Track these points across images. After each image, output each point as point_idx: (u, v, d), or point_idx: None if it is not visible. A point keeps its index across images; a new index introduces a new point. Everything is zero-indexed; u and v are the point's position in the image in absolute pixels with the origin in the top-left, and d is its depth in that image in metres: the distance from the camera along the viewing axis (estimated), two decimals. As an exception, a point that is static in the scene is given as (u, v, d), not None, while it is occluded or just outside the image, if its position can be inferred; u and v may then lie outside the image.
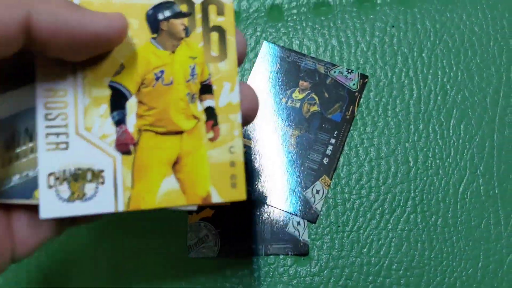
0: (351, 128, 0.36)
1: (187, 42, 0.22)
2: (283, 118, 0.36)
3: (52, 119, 0.20)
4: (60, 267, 0.34)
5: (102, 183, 0.20)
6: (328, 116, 0.36)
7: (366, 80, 0.37)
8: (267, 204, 0.35)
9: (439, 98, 0.37)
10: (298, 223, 0.35)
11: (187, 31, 0.22)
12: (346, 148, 0.36)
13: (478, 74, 0.37)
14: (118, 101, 0.21)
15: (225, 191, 0.22)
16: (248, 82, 0.37)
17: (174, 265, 0.34)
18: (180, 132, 0.22)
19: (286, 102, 0.37)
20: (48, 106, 0.20)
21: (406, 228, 0.34)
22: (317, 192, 0.35)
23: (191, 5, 0.22)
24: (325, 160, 0.35)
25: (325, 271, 0.34)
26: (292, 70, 0.37)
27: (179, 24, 0.22)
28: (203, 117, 0.22)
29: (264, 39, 0.38)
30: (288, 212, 0.35)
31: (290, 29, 0.38)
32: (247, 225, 0.34)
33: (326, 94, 0.37)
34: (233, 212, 0.35)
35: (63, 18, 0.17)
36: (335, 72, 0.37)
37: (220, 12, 0.22)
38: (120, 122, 0.21)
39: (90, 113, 0.21)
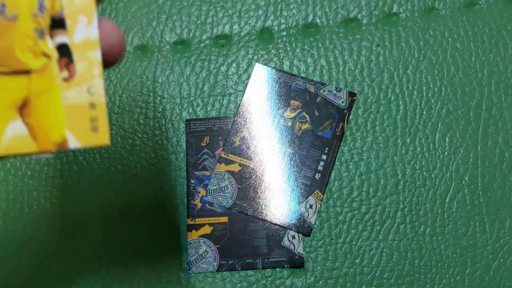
0: (342, 143, 0.38)
1: None
2: (276, 137, 0.38)
3: None
4: (62, 271, 0.36)
5: None
6: (319, 133, 0.38)
7: (354, 97, 0.39)
8: (263, 220, 0.36)
9: (424, 112, 0.38)
10: (293, 236, 0.36)
11: None
12: (337, 163, 0.38)
13: (461, 88, 0.39)
14: None
15: (84, 136, 0.20)
16: (242, 103, 0.39)
17: (175, 281, 0.36)
18: (27, 72, 0.20)
19: (279, 121, 0.38)
20: None
21: (396, 238, 0.36)
22: (311, 206, 0.37)
23: None
24: (317, 176, 0.37)
25: (320, 282, 0.36)
26: (284, 90, 0.39)
27: None
28: (55, 54, 0.20)
29: (256, 61, 0.40)
30: (283, 227, 0.36)
31: (280, 51, 0.40)
32: (244, 240, 0.36)
33: (316, 113, 0.38)
34: (231, 228, 0.37)
35: None
36: (324, 91, 0.39)
37: None
38: None
39: None
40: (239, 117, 0.39)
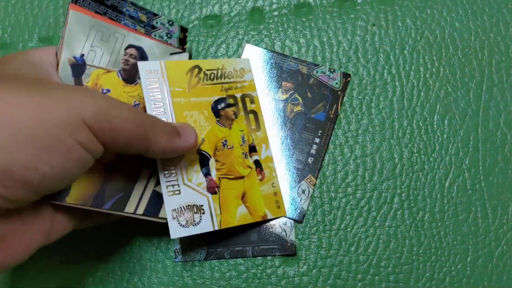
0: (335, 126, 0.36)
1: (236, 121, 0.35)
2: (268, 119, 0.36)
3: (168, 176, 0.31)
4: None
5: (203, 213, 0.32)
6: (312, 115, 0.36)
7: (349, 78, 0.37)
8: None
9: (422, 94, 0.37)
10: (285, 223, 0.34)
11: (236, 114, 0.35)
12: (331, 146, 0.36)
13: (460, 69, 0.37)
14: (204, 161, 0.33)
15: (273, 211, 0.34)
16: (231, 85, 0.37)
17: (161, 269, 0.34)
18: (242, 177, 0.34)
19: (270, 103, 0.37)
20: (165, 168, 0.31)
21: (394, 225, 0.34)
22: (303, 191, 0.35)
23: (235, 98, 0.35)
24: (310, 160, 0.35)
25: (314, 271, 0.34)
26: (275, 72, 0.37)
27: (230, 111, 0.35)
28: (253, 166, 0.34)
29: (246, 42, 0.38)
30: (274, 213, 0.35)
31: (272, 31, 0.38)
32: (233, 227, 0.34)
33: (309, 94, 0.37)
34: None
35: (168, 150, 0.28)
36: (317, 72, 0.37)
37: (252, 101, 0.36)
38: (207, 174, 0.33)
39: (189, 170, 0.32)
40: (228, 97, 0.37)
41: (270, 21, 0.39)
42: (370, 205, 0.35)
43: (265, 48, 0.38)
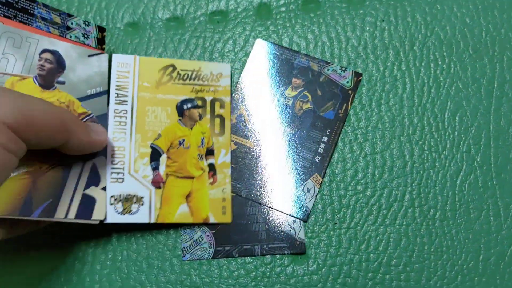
0: (345, 123, 0.36)
1: (200, 123, 0.35)
2: (275, 116, 0.36)
3: (115, 164, 0.33)
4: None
5: (142, 204, 0.33)
6: (321, 114, 0.36)
7: (360, 78, 0.36)
8: (260, 204, 0.34)
9: (432, 90, 0.36)
10: (294, 221, 0.34)
11: (200, 116, 0.35)
12: (340, 144, 0.35)
13: (471, 65, 0.37)
14: (155, 155, 0.34)
15: (218, 216, 0.34)
16: (241, 79, 0.37)
17: (168, 268, 0.34)
18: (192, 177, 0.34)
19: (279, 100, 0.36)
20: (113, 156, 0.33)
21: (404, 223, 0.34)
22: (308, 190, 0.34)
23: (204, 101, 0.35)
24: (317, 158, 0.35)
25: (323, 269, 0.33)
26: (285, 68, 0.37)
27: (196, 112, 0.35)
28: (206, 169, 0.34)
29: (254, 38, 0.38)
30: (278, 210, 0.34)
31: (279, 27, 0.38)
32: (242, 225, 0.34)
33: (319, 92, 0.36)
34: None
35: (85, 144, 0.29)
36: (328, 70, 0.37)
37: (222, 106, 0.35)
38: (155, 168, 0.33)
39: (137, 162, 0.33)
40: (237, 93, 0.36)
41: (278, 16, 0.38)
42: (380, 203, 0.34)
43: (276, 44, 0.37)
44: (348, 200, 0.34)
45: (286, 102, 0.36)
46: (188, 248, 0.34)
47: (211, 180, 0.34)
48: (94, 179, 0.31)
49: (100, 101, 0.33)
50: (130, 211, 0.32)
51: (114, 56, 0.34)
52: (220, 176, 0.34)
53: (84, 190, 0.31)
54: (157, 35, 0.38)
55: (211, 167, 0.34)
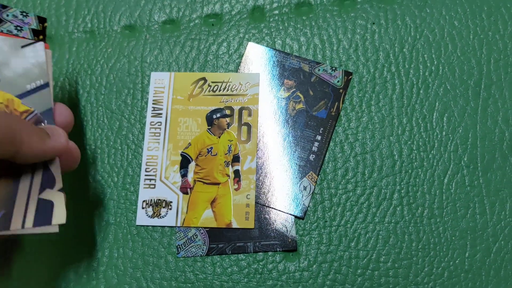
0: (336, 123, 0.37)
1: (227, 131, 0.36)
2: (269, 117, 0.37)
3: (148, 171, 0.36)
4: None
5: (170, 209, 0.35)
6: (314, 113, 0.37)
7: (351, 77, 0.37)
8: (257, 203, 0.35)
9: (421, 91, 0.37)
10: (286, 219, 0.35)
11: (229, 125, 0.37)
12: (331, 144, 0.36)
13: (459, 67, 0.37)
14: (185, 163, 0.36)
15: (241, 222, 0.35)
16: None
17: (163, 265, 0.35)
18: (218, 183, 0.36)
19: (272, 101, 0.37)
20: (148, 164, 0.36)
21: (393, 221, 0.35)
22: (305, 188, 0.35)
23: (232, 110, 0.37)
24: (312, 157, 0.36)
25: (314, 266, 0.34)
26: (277, 69, 0.38)
27: (224, 121, 0.37)
28: (232, 175, 0.36)
29: (247, 40, 0.39)
30: (275, 209, 0.35)
31: (272, 30, 0.39)
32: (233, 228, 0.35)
33: (311, 92, 0.37)
34: (221, 210, 0.36)
35: (40, 152, 0.27)
36: (319, 70, 0.38)
37: (250, 114, 0.37)
38: (184, 175, 0.36)
39: (168, 169, 0.36)
40: (229, 95, 0.37)
41: (271, 19, 0.39)
42: (369, 202, 0.35)
43: (267, 46, 0.38)
44: (338, 199, 0.35)
45: (279, 103, 0.37)
46: (182, 245, 0.35)
47: (236, 186, 0.35)
48: (49, 181, 0.28)
49: (43, 96, 0.30)
50: (159, 215, 0.35)
51: (152, 74, 0.38)
52: (245, 183, 0.35)
53: (39, 194, 0.28)
54: (153, 37, 0.39)
55: (237, 174, 0.36)
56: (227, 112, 0.37)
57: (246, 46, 0.39)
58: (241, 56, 0.38)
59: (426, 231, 0.35)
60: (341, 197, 0.35)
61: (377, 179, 0.36)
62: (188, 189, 0.35)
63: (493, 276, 0.34)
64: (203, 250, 0.35)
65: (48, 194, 0.28)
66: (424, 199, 0.35)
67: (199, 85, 0.37)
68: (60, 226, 0.28)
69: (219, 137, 0.36)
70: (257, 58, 0.38)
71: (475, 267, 0.34)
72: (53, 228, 0.27)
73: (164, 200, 0.35)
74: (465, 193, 0.35)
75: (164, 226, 0.35)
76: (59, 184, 0.29)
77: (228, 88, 0.37)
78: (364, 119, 0.37)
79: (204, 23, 0.39)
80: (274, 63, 0.38)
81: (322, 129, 0.36)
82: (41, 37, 0.32)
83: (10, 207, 0.27)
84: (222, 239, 0.35)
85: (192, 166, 0.36)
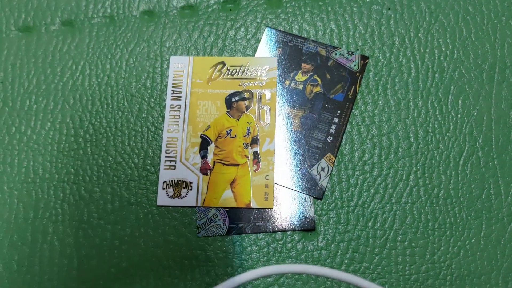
0: (353, 106, 0.37)
1: (246, 114, 0.37)
2: (287, 100, 0.37)
3: (169, 153, 0.37)
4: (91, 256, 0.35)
5: (191, 189, 0.36)
6: (331, 96, 0.37)
7: (367, 61, 0.38)
8: (276, 184, 0.36)
9: (436, 75, 0.38)
10: (304, 199, 0.36)
11: (247, 108, 0.37)
12: (348, 126, 0.37)
13: (474, 51, 0.38)
14: (204, 145, 0.37)
15: (260, 202, 0.36)
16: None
17: (184, 244, 0.35)
18: (237, 165, 0.36)
19: (290, 85, 0.38)
20: (168, 146, 0.37)
21: (409, 201, 0.35)
22: (322, 169, 0.36)
23: (251, 93, 0.38)
24: (329, 139, 0.37)
25: (332, 245, 0.35)
26: (294, 54, 0.38)
27: (243, 104, 0.37)
28: (251, 157, 0.36)
29: (265, 25, 0.39)
30: (294, 190, 0.36)
31: (289, 15, 0.39)
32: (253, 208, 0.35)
33: (328, 76, 0.38)
34: (241, 191, 0.36)
35: None
36: (336, 54, 0.38)
37: (268, 97, 0.38)
38: (204, 157, 0.37)
39: (188, 151, 0.37)
40: (249, 77, 0.38)
41: (288, 5, 0.40)
42: (386, 183, 0.36)
43: (284, 31, 0.39)
44: (356, 180, 0.36)
45: (297, 87, 0.38)
46: (203, 225, 0.35)
47: (255, 167, 0.36)
48: None
49: None
50: (180, 195, 0.36)
51: (171, 58, 0.39)
52: (263, 164, 0.36)
53: None
54: (172, 22, 0.40)
55: (255, 155, 0.36)
56: (246, 95, 0.37)
57: (264, 31, 0.39)
58: (258, 41, 0.39)
59: (442, 211, 0.35)
60: (358, 178, 0.36)
61: (393, 161, 0.36)
62: (208, 170, 0.36)
63: (508, 255, 0.34)
64: (223, 229, 0.35)
65: None
66: (440, 180, 0.36)
67: (218, 69, 0.38)
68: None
69: (238, 119, 0.37)
70: (274, 43, 0.39)
71: (490, 246, 0.35)
72: None
73: (184, 181, 0.36)
74: (480, 174, 0.36)
75: (185, 206, 0.36)
76: None
77: (246, 72, 0.38)
78: (380, 102, 0.37)
79: (222, 9, 0.40)
80: (291, 47, 0.38)
81: (339, 111, 0.37)
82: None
83: None
84: (241, 219, 0.35)
85: (211, 147, 0.37)
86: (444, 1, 0.39)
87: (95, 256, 0.35)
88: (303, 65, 0.38)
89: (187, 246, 0.35)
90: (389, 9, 0.39)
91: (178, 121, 0.37)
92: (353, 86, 0.37)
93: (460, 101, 0.37)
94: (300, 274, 0.33)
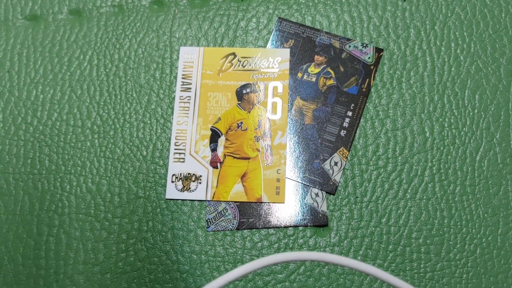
0: (367, 100, 0.36)
1: (257, 106, 0.36)
2: (300, 92, 0.36)
3: (178, 145, 0.36)
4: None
5: (200, 183, 0.35)
6: (344, 89, 0.36)
7: (382, 53, 0.37)
8: (288, 178, 0.35)
9: (453, 69, 0.37)
10: (317, 194, 0.35)
11: (259, 100, 0.36)
12: (361, 120, 0.36)
13: (491, 45, 0.37)
14: (214, 137, 0.36)
15: (271, 196, 0.35)
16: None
17: (193, 239, 0.34)
18: (248, 158, 0.35)
19: (302, 77, 0.37)
20: (177, 138, 0.36)
21: (425, 197, 0.35)
22: (335, 164, 0.35)
23: (262, 85, 0.37)
24: (342, 133, 0.36)
25: (345, 241, 0.34)
26: (307, 46, 0.37)
27: (254, 96, 0.36)
28: (262, 150, 0.36)
29: (277, 16, 0.38)
30: (307, 185, 0.35)
31: (302, 6, 0.38)
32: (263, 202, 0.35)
33: (341, 68, 0.37)
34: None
35: None
36: (350, 46, 0.37)
37: (280, 90, 0.36)
38: (214, 150, 0.36)
39: (198, 143, 0.36)
40: (262, 68, 0.37)
41: (301, -4, 0.39)
42: (401, 178, 0.35)
43: (297, 23, 0.38)
44: (369, 175, 0.35)
45: (310, 79, 0.37)
46: (212, 219, 0.35)
47: (267, 161, 0.35)
48: None
49: None
50: (189, 188, 0.35)
51: (181, 48, 0.38)
52: (275, 157, 0.35)
53: None
54: (182, 12, 0.39)
55: (267, 149, 0.36)
56: (257, 87, 0.37)
57: (276, 22, 0.38)
58: (270, 32, 0.38)
59: (458, 208, 0.34)
60: (372, 173, 0.35)
61: (408, 156, 0.35)
62: (218, 163, 0.35)
63: (526, 254, 0.33)
64: (233, 224, 0.34)
65: None
66: (456, 176, 0.35)
67: (228, 60, 0.37)
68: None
69: (249, 112, 0.36)
70: (287, 34, 0.38)
71: (507, 244, 0.34)
72: None
73: (193, 174, 0.35)
74: (497, 170, 0.35)
75: (194, 200, 0.35)
76: None
77: (258, 63, 0.37)
78: (395, 96, 0.37)
79: (233, -1, 0.39)
80: (304, 39, 0.37)
81: (353, 105, 0.36)
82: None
83: None
84: (252, 214, 0.35)
85: (222, 140, 0.36)
86: (461, -7, 0.38)
87: (102, 250, 0.34)
88: (316, 57, 0.37)
89: (196, 240, 0.34)
90: (404, 0, 0.38)
91: (187, 113, 0.36)
92: (367, 79, 0.37)
93: (477, 96, 0.36)
94: (319, 262, 0.32)
